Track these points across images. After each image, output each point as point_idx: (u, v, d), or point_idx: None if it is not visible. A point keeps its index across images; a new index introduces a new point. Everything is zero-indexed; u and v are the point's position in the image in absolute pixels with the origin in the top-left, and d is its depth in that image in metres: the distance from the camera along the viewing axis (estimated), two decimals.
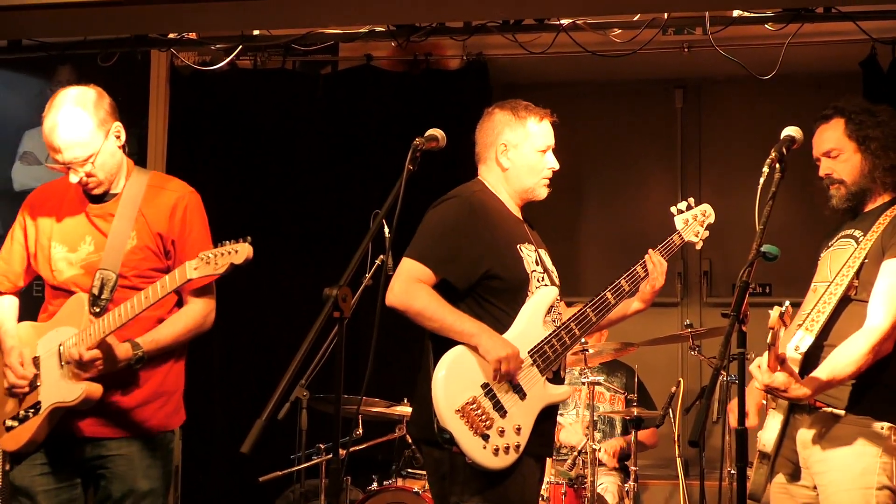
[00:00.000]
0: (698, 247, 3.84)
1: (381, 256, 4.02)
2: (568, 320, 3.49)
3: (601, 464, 5.31)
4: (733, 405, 3.21)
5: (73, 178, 3.46)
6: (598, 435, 5.21)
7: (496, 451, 3.28)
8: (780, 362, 3.14)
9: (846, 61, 5.98)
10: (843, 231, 3.50)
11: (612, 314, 3.60)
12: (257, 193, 6.34)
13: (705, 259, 6.85)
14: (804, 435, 3.35)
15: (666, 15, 5.42)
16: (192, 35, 5.85)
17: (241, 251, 3.24)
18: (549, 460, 4.93)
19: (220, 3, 4.74)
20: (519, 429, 3.34)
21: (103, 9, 4.71)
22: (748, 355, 2.90)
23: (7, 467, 3.68)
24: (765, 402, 3.44)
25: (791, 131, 3.23)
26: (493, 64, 6.35)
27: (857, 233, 3.43)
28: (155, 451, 3.54)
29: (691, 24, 5.73)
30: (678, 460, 5.32)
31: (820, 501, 3.32)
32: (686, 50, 6.08)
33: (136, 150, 5.91)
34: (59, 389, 3.41)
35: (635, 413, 5.16)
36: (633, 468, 5.14)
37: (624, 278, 3.57)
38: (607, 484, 5.26)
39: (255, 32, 5.91)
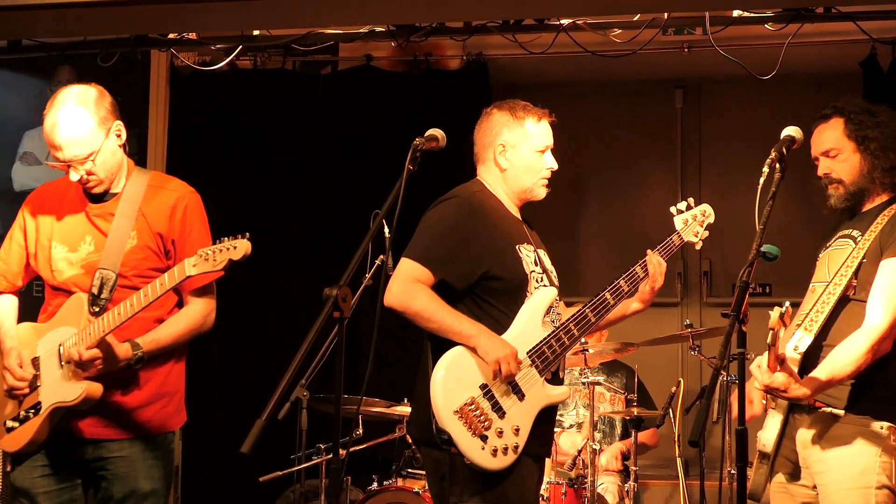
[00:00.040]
0: (698, 247, 3.83)
1: (381, 256, 4.02)
2: (567, 321, 3.48)
3: (606, 472, 5.31)
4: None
5: (74, 177, 3.46)
6: (598, 435, 5.21)
7: (494, 452, 3.28)
8: (780, 362, 3.15)
9: (846, 61, 5.98)
10: (841, 231, 3.50)
11: (611, 314, 3.59)
12: (257, 193, 6.34)
13: (705, 259, 6.85)
14: (804, 435, 3.36)
15: (666, 15, 5.42)
16: (192, 35, 5.85)
17: (239, 247, 3.24)
18: (549, 460, 4.94)
19: (220, 3, 4.74)
20: (517, 429, 3.34)
21: (103, 9, 4.70)
22: (748, 355, 2.90)
23: (8, 468, 3.67)
24: (764, 401, 3.44)
25: (791, 131, 3.24)
26: (493, 64, 6.35)
27: (856, 232, 3.43)
28: (156, 452, 3.54)
29: (691, 24, 5.73)
30: (678, 460, 5.32)
31: (820, 501, 3.32)
32: (686, 50, 6.08)
33: (136, 150, 5.91)
34: (60, 389, 3.41)
35: (635, 413, 5.16)
36: (633, 468, 5.14)
37: (623, 279, 3.57)
38: (607, 484, 5.26)
39: (255, 32, 5.91)
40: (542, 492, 4.60)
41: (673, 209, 3.81)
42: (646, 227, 6.43)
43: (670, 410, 5.20)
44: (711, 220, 3.83)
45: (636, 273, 3.59)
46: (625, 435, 5.59)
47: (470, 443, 3.26)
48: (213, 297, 3.59)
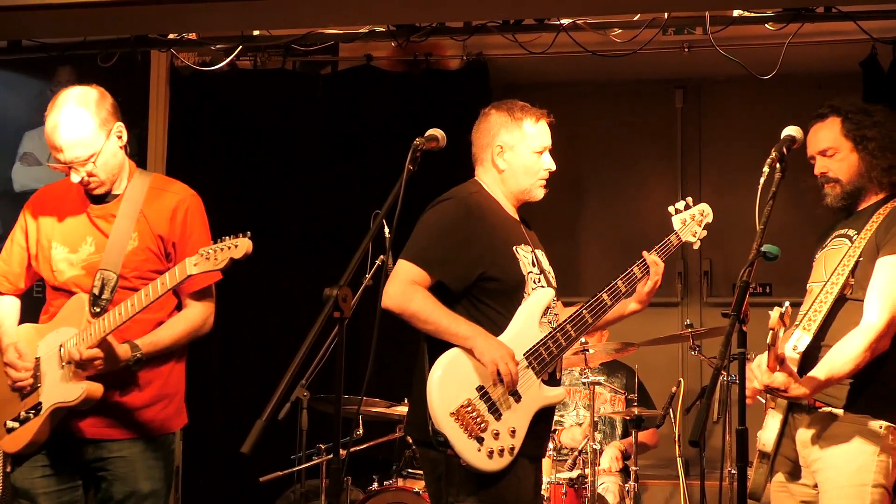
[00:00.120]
0: (696, 247, 3.83)
1: (382, 256, 4.02)
2: (563, 322, 3.48)
3: (606, 473, 5.31)
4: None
5: (75, 178, 3.46)
6: (598, 435, 5.21)
7: (490, 454, 3.28)
8: (780, 362, 3.15)
9: (846, 61, 5.98)
10: (836, 231, 3.51)
11: (609, 315, 3.58)
12: (257, 193, 6.34)
13: (705, 259, 6.85)
14: (803, 434, 3.36)
15: (666, 15, 5.43)
16: (192, 35, 5.86)
17: (240, 246, 3.24)
18: (549, 460, 4.94)
19: (220, 3, 4.74)
20: (514, 431, 3.33)
21: (103, 9, 4.70)
22: (748, 355, 2.90)
23: (8, 469, 3.67)
24: (763, 400, 3.44)
25: (791, 131, 3.24)
26: (493, 64, 6.35)
27: (851, 232, 3.43)
28: (157, 453, 3.53)
29: (691, 24, 5.73)
30: (679, 460, 5.32)
31: (819, 499, 3.33)
32: (686, 50, 6.08)
33: (137, 151, 5.90)
34: (60, 390, 3.41)
35: (636, 413, 5.16)
36: (633, 468, 5.14)
37: (620, 279, 3.56)
38: (608, 484, 5.26)
39: (255, 33, 5.91)
40: (542, 492, 4.59)
41: (671, 209, 3.80)
42: (646, 227, 6.43)
43: (671, 410, 5.20)
44: (710, 219, 3.82)
45: (634, 273, 3.58)
46: (625, 435, 5.60)
47: (466, 444, 3.26)
48: (213, 301, 3.59)
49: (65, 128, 3.42)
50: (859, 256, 3.34)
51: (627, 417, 5.34)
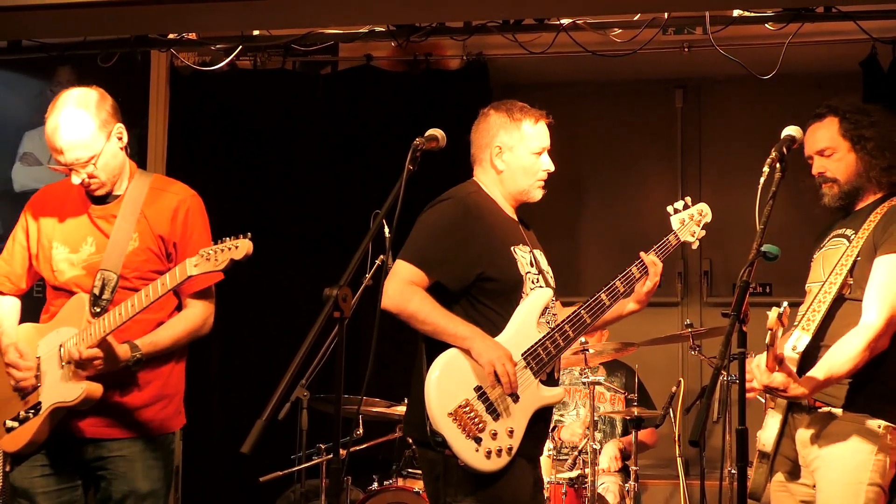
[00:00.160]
0: (694, 246, 3.83)
1: (382, 256, 4.02)
2: (562, 322, 3.48)
3: (606, 472, 5.31)
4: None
5: (76, 180, 3.46)
6: (598, 435, 5.21)
7: (488, 454, 3.28)
8: (779, 362, 3.15)
9: (846, 61, 5.98)
10: (834, 231, 3.51)
11: (607, 315, 3.58)
12: (257, 193, 6.34)
13: (706, 259, 6.85)
14: (803, 434, 3.36)
15: (666, 15, 5.43)
16: (192, 35, 5.86)
17: (241, 247, 3.24)
18: (549, 460, 4.95)
19: (220, 3, 4.74)
20: (512, 431, 3.33)
21: (103, 9, 4.70)
22: (749, 355, 2.90)
23: (7, 468, 3.67)
24: (763, 399, 3.44)
25: (791, 131, 3.24)
26: (493, 64, 6.35)
27: (849, 231, 3.44)
28: (156, 453, 3.53)
29: (691, 24, 5.73)
30: (679, 460, 5.32)
31: (816, 496, 3.33)
32: (686, 50, 6.08)
33: (136, 151, 5.90)
34: (60, 390, 3.41)
35: (636, 413, 5.16)
36: (633, 468, 5.14)
37: (619, 279, 3.56)
38: (608, 484, 5.26)
39: (255, 33, 5.91)
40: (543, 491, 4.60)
41: (670, 208, 3.80)
42: (646, 227, 6.42)
43: (671, 410, 5.20)
44: (708, 219, 3.82)
45: (632, 273, 3.58)
46: (625, 434, 5.60)
47: (464, 445, 3.26)
48: (212, 301, 3.59)
49: (65, 130, 3.42)
50: (857, 256, 3.35)
51: (627, 417, 5.34)
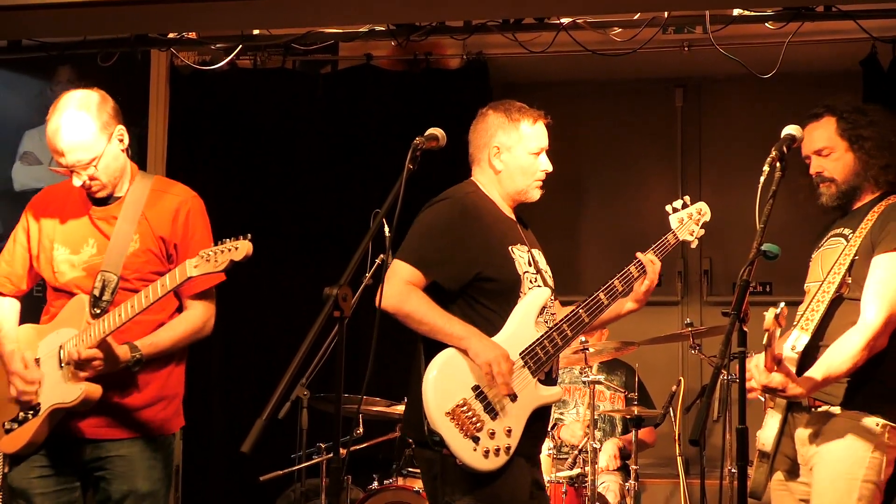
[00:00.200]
0: (693, 245, 3.82)
1: (382, 256, 4.02)
2: (560, 321, 3.47)
3: (607, 470, 5.31)
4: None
5: (77, 182, 3.46)
6: (598, 434, 5.21)
7: (486, 454, 3.28)
8: (777, 363, 3.15)
9: (846, 60, 5.99)
10: (832, 230, 3.52)
11: (606, 314, 3.58)
12: (257, 193, 6.34)
13: (706, 258, 6.85)
14: (802, 433, 3.37)
15: (666, 14, 5.43)
16: (192, 35, 5.86)
17: (241, 248, 3.24)
18: (549, 459, 4.95)
19: (220, 2, 4.74)
20: (510, 430, 3.33)
21: (103, 8, 4.71)
22: (749, 354, 2.90)
23: (6, 469, 3.66)
24: (763, 398, 3.44)
25: (791, 130, 3.24)
26: (493, 63, 6.35)
27: (847, 231, 3.44)
28: (156, 453, 3.53)
29: (691, 23, 5.73)
30: (679, 459, 5.32)
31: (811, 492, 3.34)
32: (686, 49, 6.08)
33: (136, 150, 5.87)
34: (59, 390, 3.41)
35: (636, 412, 5.16)
36: (633, 467, 5.14)
37: (617, 278, 3.56)
38: (608, 483, 5.26)
39: (255, 32, 5.91)
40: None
41: (668, 207, 3.80)
42: (645, 226, 6.42)
43: (671, 409, 5.20)
44: (707, 218, 3.82)
45: (630, 273, 3.58)
46: (624, 433, 5.60)
47: (462, 444, 3.26)
48: (213, 303, 3.58)
49: (66, 132, 3.42)
50: (855, 255, 3.35)
51: (627, 416, 5.34)
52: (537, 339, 3.41)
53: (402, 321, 3.35)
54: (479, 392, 3.31)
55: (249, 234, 3.27)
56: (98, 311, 3.41)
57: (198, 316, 3.54)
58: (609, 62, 5.80)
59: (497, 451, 3.29)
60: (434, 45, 6.27)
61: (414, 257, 3.38)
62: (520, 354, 3.38)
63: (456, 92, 6.23)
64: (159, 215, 3.53)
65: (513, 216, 3.59)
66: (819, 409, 3.33)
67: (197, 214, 3.58)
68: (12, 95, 6.28)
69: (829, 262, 3.42)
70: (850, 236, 3.40)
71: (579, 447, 5.14)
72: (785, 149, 3.15)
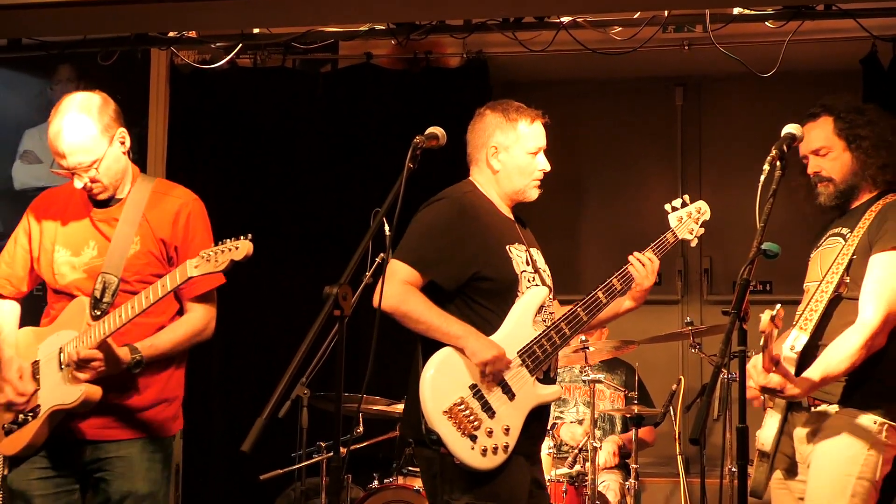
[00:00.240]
0: (693, 244, 3.82)
1: (382, 255, 4.01)
2: (558, 320, 3.48)
3: (605, 467, 5.31)
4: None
5: (78, 184, 3.46)
6: (598, 433, 5.21)
7: (484, 452, 3.28)
8: (775, 364, 3.15)
9: (847, 59, 5.98)
10: (830, 230, 3.52)
11: (604, 313, 3.59)
12: (257, 193, 6.34)
13: (706, 257, 6.85)
14: (800, 432, 3.38)
15: (666, 13, 5.43)
16: (192, 33, 5.86)
17: (241, 248, 3.24)
18: (549, 457, 4.95)
19: (220, 1, 4.74)
20: (508, 429, 3.33)
21: (103, 7, 4.71)
22: (749, 353, 2.90)
23: (5, 471, 3.66)
24: (763, 397, 3.44)
25: (792, 129, 3.24)
26: (493, 62, 6.35)
27: (845, 230, 3.44)
28: (155, 454, 3.53)
29: (692, 22, 5.73)
30: (679, 458, 5.32)
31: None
32: (686, 47, 6.08)
33: (136, 150, 5.85)
34: (59, 392, 3.40)
35: (636, 411, 5.16)
36: (633, 466, 5.14)
37: (616, 277, 3.57)
38: (609, 482, 5.27)
39: (255, 31, 5.91)
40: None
41: (667, 206, 3.80)
42: (645, 225, 6.40)
43: (671, 408, 5.20)
44: (707, 217, 3.82)
45: (629, 272, 3.58)
46: (624, 431, 5.60)
47: (459, 443, 3.26)
48: (214, 305, 3.58)
49: (67, 134, 3.42)
50: (853, 254, 3.36)
51: (627, 415, 5.34)
52: (535, 338, 3.41)
53: (400, 321, 3.36)
54: (476, 391, 3.31)
55: (250, 234, 3.27)
56: (98, 313, 3.41)
57: (198, 319, 3.54)
58: (609, 61, 5.80)
59: (495, 449, 3.29)
60: (434, 43, 6.26)
61: (412, 257, 3.38)
62: (518, 353, 3.38)
63: (456, 91, 6.23)
64: (160, 217, 3.53)
65: (511, 216, 3.59)
66: (818, 408, 3.33)
67: (197, 217, 3.58)
68: (12, 94, 6.28)
69: (827, 261, 3.42)
70: (849, 235, 3.40)
71: (579, 447, 5.14)
72: (785, 148, 3.15)
